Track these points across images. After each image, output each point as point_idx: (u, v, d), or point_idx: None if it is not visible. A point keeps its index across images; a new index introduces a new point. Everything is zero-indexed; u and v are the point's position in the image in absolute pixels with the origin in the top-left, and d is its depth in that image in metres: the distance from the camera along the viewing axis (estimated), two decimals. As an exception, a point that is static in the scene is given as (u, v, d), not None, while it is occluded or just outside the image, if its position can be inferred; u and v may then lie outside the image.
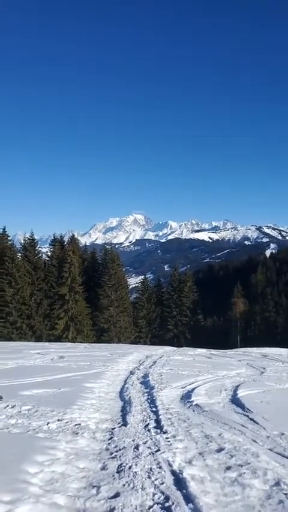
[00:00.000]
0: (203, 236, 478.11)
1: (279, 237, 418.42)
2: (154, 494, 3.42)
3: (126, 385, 8.87)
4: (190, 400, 7.29)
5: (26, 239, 40.48)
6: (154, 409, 6.61)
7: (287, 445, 4.86)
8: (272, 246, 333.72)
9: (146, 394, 7.97)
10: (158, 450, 4.50)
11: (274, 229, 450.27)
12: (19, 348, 19.53)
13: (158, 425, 5.57)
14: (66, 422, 5.50)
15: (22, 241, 41.12)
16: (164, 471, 3.90)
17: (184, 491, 3.46)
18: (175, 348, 27.12)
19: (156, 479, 3.71)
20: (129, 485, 3.60)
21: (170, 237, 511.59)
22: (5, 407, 6.11)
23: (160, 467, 3.99)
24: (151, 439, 4.95)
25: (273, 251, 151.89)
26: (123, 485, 3.60)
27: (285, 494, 3.48)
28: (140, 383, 9.31)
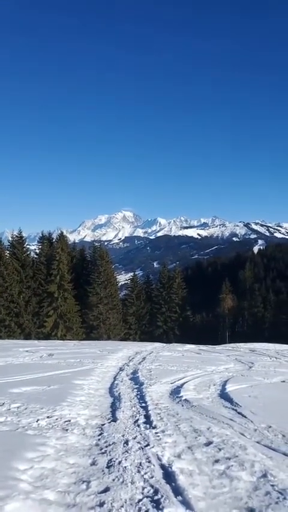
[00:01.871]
0: (192, 233, 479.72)
1: (267, 234, 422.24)
2: (143, 488, 3.46)
3: (116, 382, 8.91)
4: (179, 395, 7.36)
5: (14, 237, 40.09)
6: (143, 404, 6.66)
7: (274, 438, 4.95)
8: (260, 242, 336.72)
9: (136, 390, 8.01)
10: (148, 445, 4.55)
11: (262, 225, 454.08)
12: (8, 346, 19.42)
13: (148, 421, 5.62)
14: (56, 419, 5.51)
15: (10, 239, 40.70)
16: (153, 465, 3.94)
17: (173, 484, 3.51)
18: (164, 344, 27.25)
19: (145, 474, 3.75)
20: (118, 479, 3.63)
21: (159, 234, 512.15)
22: (-6, 405, 6.08)
23: (149, 462, 4.03)
24: (140, 434, 5.00)
25: (261, 247, 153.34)
26: (113, 479, 3.63)
27: (272, 485, 3.55)
28: (130, 379, 9.35)
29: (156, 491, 3.38)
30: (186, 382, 8.92)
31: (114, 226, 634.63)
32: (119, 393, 7.57)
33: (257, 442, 4.75)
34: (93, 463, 4.04)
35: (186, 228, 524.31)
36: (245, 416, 5.93)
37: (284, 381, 9.97)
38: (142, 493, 3.37)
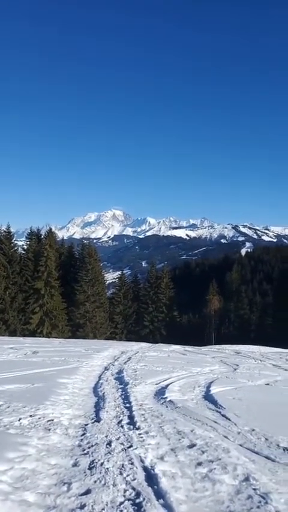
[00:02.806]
0: (181, 233, 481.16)
1: (255, 236, 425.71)
2: (125, 491, 3.42)
3: (101, 381, 8.86)
4: (164, 397, 7.35)
5: (2, 232, 39.60)
6: (128, 405, 6.62)
7: (257, 441, 4.97)
8: (248, 244, 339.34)
9: (120, 390, 7.97)
10: (131, 446, 4.52)
11: (250, 228, 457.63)
12: (-8, 342, 19.18)
13: (131, 422, 5.59)
14: (39, 418, 5.44)
15: (-2, 234, 40.22)
16: (136, 467, 3.91)
17: (155, 487, 3.48)
18: (150, 344, 27.25)
19: (127, 476, 3.71)
20: (100, 481, 3.59)
21: (148, 234, 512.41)
22: (-24, 403, 5.98)
23: (132, 464, 4.00)
24: (124, 435, 4.96)
25: (249, 250, 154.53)
26: (95, 481, 3.59)
27: (254, 489, 3.55)
28: (115, 379, 9.31)
29: (138, 494, 3.35)
30: (171, 383, 8.92)
31: (103, 224, 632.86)
32: (104, 393, 7.53)
33: (240, 445, 4.76)
34: (75, 464, 4.00)
35: (175, 228, 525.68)
36: (229, 419, 5.94)
37: (268, 384, 10.04)
38: (124, 496, 3.33)
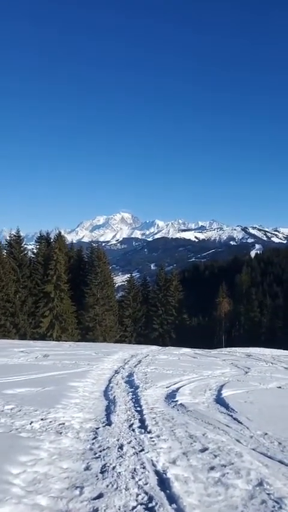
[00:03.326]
0: (190, 236, 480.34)
1: (265, 238, 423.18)
2: (138, 495, 3.40)
3: (111, 384, 8.84)
4: (175, 400, 7.31)
5: (12, 236, 39.98)
6: (138, 408, 6.60)
7: (270, 445, 4.91)
8: (257, 246, 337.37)
9: (131, 393, 7.95)
10: (142, 450, 4.49)
11: (259, 230, 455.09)
12: (3, 345, 19.31)
13: (143, 425, 5.56)
14: (50, 421, 5.45)
15: (8, 238, 40.57)
16: (148, 471, 3.89)
17: (168, 491, 3.46)
18: (160, 347, 27.17)
19: (140, 480, 3.69)
20: (112, 485, 3.58)
21: (156, 236, 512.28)
22: (-12, 407, 6.01)
23: (144, 468, 3.98)
24: (135, 438, 4.94)
25: (258, 252, 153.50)
26: (107, 485, 3.58)
27: (268, 494, 3.50)
28: (125, 382, 9.29)
29: (150, 499, 3.33)
30: (182, 386, 8.87)
31: (112, 227, 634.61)
32: (114, 396, 7.51)
33: (253, 449, 4.71)
34: (87, 468, 3.99)
35: (184, 230, 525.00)
36: (241, 423, 5.88)
37: (280, 387, 9.93)
38: (136, 500, 3.32)
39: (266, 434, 5.34)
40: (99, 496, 3.37)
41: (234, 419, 6.12)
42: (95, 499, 3.32)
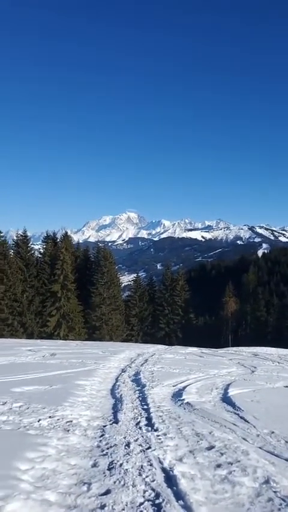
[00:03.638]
0: (196, 235, 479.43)
1: (272, 237, 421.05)
2: (145, 491, 3.43)
3: (118, 383, 8.89)
4: (181, 398, 7.33)
5: (19, 236, 40.23)
6: (145, 406, 6.63)
7: (276, 444, 4.92)
8: (264, 246, 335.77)
9: (138, 392, 7.99)
10: (149, 447, 4.52)
11: (267, 229, 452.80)
12: (10, 344, 19.46)
13: (149, 423, 5.59)
14: (58, 419, 5.50)
15: (15, 238, 40.83)
16: (155, 468, 3.92)
17: (174, 488, 3.48)
18: (167, 347, 27.19)
19: (147, 477, 3.72)
20: (120, 482, 3.61)
21: (163, 236, 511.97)
22: (-4, 404, 6.08)
23: (151, 465, 4.01)
24: (142, 436, 4.97)
25: (265, 251, 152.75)
26: (114, 482, 3.61)
27: (275, 492, 3.51)
28: (132, 381, 9.33)
29: (157, 495, 3.35)
30: (189, 385, 8.89)
31: (118, 227, 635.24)
32: (121, 395, 7.55)
33: (260, 448, 4.72)
34: (95, 465, 4.03)
35: (191, 230, 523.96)
36: (248, 421, 5.89)
37: (287, 386, 9.90)
38: (143, 497, 3.34)
39: (272, 432, 5.34)
40: (107, 492, 3.41)
41: (241, 417, 6.13)
42: (102, 495, 3.36)
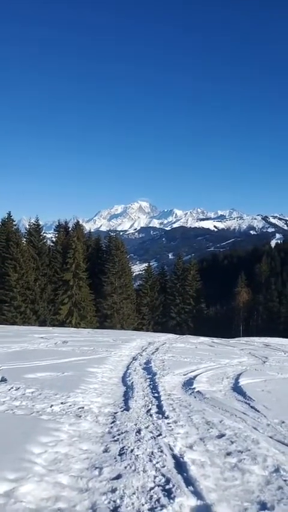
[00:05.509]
0: (208, 225, 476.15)
1: (285, 227, 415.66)
2: (155, 477, 3.49)
3: (129, 371, 8.97)
4: (192, 387, 7.37)
5: (31, 224, 40.53)
6: (156, 394, 6.69)
7: (287, 433, 4.92)
8: (278, 236, 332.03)
9: (148, 380, 8.05)
10: (160, 435, 4.57)
11: (280, 219, 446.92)
12: (23, 332, 19.76)
13: (160, 411, 5.65)
14: (70, 405, 5.59)
15: (27, 227, 41.16)
16: (165, 455, 3.97)
17: (185, 474, 3.53)
18: (177, 336, 27.27)
19: (157, 463, 3.78)
20: (130, 467, 3.67)
21: (175, 225, 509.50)
22: (10, 390, 6.21)
23: (161, 451, 4.06)
24: (153, 423, 5.03)
25: (279, 241, 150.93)
26: (125, 467, 3.67)
27: (285, 480, 3.53)
28: (143, 369, 9.41)
29: (167, 481, 3.40)
30: (199, 374, 8.92)
31: (130, 216, 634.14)
32: (132, 382, 7.63)
33: (270, 437, 4.73)
34: (106, 450, 4.10)
35: (203, 220, 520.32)
36: (258, 411, 5.90)
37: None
38: (154, 482, 3.40)
39: (283, 422, 5.35)
40: (118, 476, 3.47)
41: (252, 407, 6.14)
42: (113, 479, 3.42)
